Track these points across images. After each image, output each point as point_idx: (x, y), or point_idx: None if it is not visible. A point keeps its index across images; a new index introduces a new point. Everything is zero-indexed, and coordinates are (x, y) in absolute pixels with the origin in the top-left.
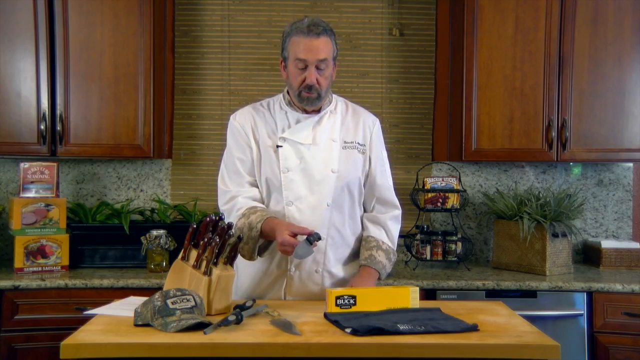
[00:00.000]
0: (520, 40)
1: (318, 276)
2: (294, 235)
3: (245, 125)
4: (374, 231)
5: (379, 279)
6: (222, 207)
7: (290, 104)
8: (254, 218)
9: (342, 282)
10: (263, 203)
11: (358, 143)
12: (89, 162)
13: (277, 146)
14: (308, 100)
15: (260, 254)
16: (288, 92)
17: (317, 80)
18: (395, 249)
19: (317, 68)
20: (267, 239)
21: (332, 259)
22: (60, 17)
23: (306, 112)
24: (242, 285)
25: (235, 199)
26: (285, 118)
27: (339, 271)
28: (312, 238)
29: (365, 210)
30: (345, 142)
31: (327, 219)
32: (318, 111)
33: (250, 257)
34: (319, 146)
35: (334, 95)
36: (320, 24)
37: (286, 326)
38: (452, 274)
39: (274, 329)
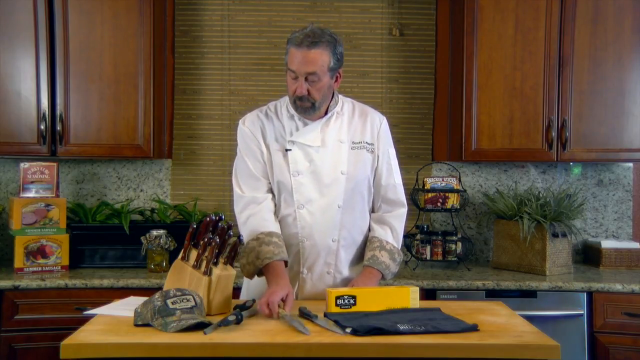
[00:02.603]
0: (520, 40)
1: (330, 277)
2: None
3: (254, 130)
4: (379, 231)
5: (384, 278)
6: (239, 214)
7: None
8: (265, 251)
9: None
10: (276, 207)
11: (366, 142)
12: (89, 162)
13: (286, 150)
14: (302, 109)
15: (259, 275)
16: None
17: (308, 91)
18: (400, 249)
19: (308, 80)
20: (266, 279)
21: (343, 260)
22: (60, 17)
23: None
24: (254, 288)
25: (251, 206)
26: (293, 121)
27: (349, 272)
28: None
29: (372, 210)
30: (353, 143)
31: (338, 221)
32: (325, 113)
33: (249, 277)
34: (327, 148)
35: (340, 96)
36: (318, 34)
37: (295, 322)
38: (452, 274)
39: (274, 329)
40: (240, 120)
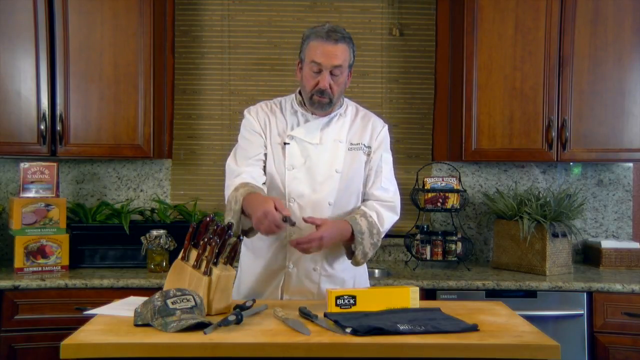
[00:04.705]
0: (520, 40)
1: (316, 274)
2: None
3: (258, 118)
4: (365, 208)
5: (354, 254)
6: (226, 183)
7: (301, 104)
8: (241, 192)
9: (340, 282)
10: (265, 183)
11: (364, 145)
12: (89, 162)
13: (285, 143)
14: (319, 105)
15: (247, 234)
16: (300, 93)
17: (330, 85)
18: (381, 233)
19: (331, 74)
20: (247, 212)
21: (330, 258)
22: (60, 17)
23: (316, 113)
24: (244, 284)
25: (238, 176)
26: (295, 117)
27: (337, 271)
28: (288, 220)
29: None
30: (351, 144)
31: (328, 218)
32: (329, 113)
33: (235, 234)
34: (325, 146)
35: (345, 99)
36: (340, 30)
37: (297, 324)
38: (452, 274)
39: (274, 329)
40: (246, 110)
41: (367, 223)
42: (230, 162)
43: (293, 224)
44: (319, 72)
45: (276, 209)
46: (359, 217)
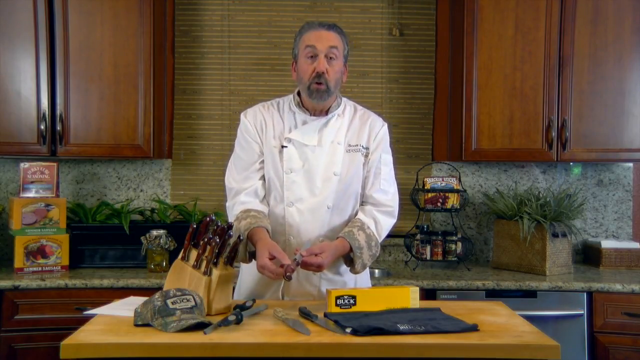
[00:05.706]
0: (520, 40)
1: (316, 278)
2: (272, 258)
3: (255, 123)
4: (363, 217)
5: (353, 265)
6: (228, 204)
7: (299, 105)
8: (243, 224)
9: (341, 284)
10: (266, 196)
11: (362, 146)
12: (89, 162)
13: (282, 146)
14: (317, 93)
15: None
16: (298, 94)
17: (326, 70)
18: (379, 242)
19: (327, 58)
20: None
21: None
22: (60, 17)
23: (314, 114)
24: (244, 284)
25: (237, 196)
26: (292, 119)
27: (336, 274)
28: (287, 277)
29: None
30: (349, 145)
31: (327, 222)
32: (326, 113)
33: (243, 261)
34: (323, 148)
35: (343, 99)
36: (332, 23)
37: (297, 324)
38: (452, 274)
39: (274, 329)
40: (242, 113)
41: (365, 237)
42: (228, 176)
43: (290, 278)
44: (315, 56)
45: (274, 257)
46: (357, 231)
